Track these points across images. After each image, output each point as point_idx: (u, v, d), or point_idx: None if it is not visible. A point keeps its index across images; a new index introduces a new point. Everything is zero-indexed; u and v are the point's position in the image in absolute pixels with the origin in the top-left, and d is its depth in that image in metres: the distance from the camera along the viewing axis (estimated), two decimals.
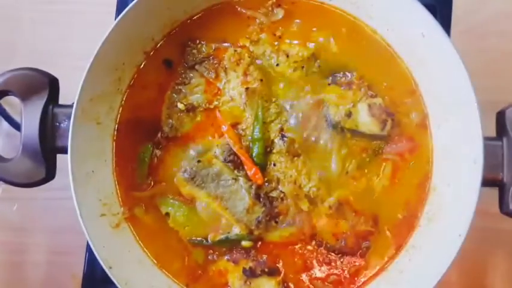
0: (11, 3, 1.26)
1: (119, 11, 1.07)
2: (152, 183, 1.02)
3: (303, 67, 1.03)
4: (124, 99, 1.02)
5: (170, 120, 1.02)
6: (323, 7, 1.05)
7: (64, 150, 0.92)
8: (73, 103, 0.92)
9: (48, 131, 0.96)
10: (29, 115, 0.94)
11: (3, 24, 1.26)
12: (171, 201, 1.01)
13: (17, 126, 0.98)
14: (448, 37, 0.93)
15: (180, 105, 1.02)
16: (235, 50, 1.04)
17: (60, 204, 1.14)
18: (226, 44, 1.05)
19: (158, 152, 1.02)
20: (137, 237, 1.01)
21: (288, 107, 1.02)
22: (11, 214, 1.20)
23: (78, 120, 0.92)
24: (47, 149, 0.95)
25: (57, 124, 0.96)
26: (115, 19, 0.94)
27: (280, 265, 1.01)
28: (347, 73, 1.03)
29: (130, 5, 0.94)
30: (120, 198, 1.01)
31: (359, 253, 1.01)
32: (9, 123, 1.01)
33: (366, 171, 1.01)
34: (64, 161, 0.92)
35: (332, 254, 1.01)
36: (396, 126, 1.01)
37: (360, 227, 1.00)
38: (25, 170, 0.94)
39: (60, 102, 0.98)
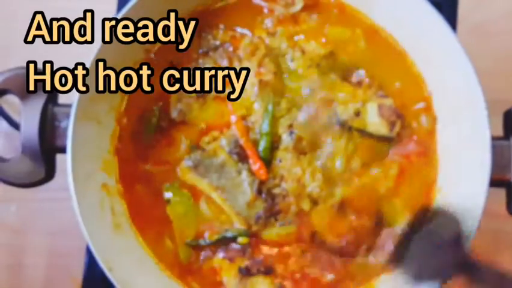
0: (8, 1, 1.25)
1: (119, 8, 1.06)
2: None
3: (318, 65, 1.02)
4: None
5: (179, 105, 1.01)
6: (343, 5, 1.04)
7: (64, 150, 0.91)
8: (73, 102, 0.91)
9: (48, 131, 0.94)
10: (29, 114, 0.93)
11: (1, 22, 1.25)
12: (177, 189, 1.00)
13: (16, 125, 0.97)
14: (454, 35, 0.92)
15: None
16: (252, 40, 1.02)
17: (59, 205, 1.13)
18: (243, 33, 1.04)
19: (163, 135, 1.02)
20: (138, 238, 1.00)
21: (299, 103, 1.01)
22: (10, 215, 1.19)
23: (78, 119, 0.91)
24: (47, 148, 0.94)
25: (57, 123, 0.95)
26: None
27: (276, 264, 1.00)
28: (359, 72, 1.02)
29: (130, 4, 0.93)
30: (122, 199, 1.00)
31: (360, 253, 1.00)
32: (8, 123, 1.00)
33: (371, 171, 1.00)
34: (64, 161, 0.91)
35: (332, 254, 1.00)
36: (405, 128, 1.00)
37: (362, 227, 0.99)
38: (24, 170, 0.93)
39: (60, 101, 0.97)
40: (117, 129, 1.01)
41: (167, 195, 1.01)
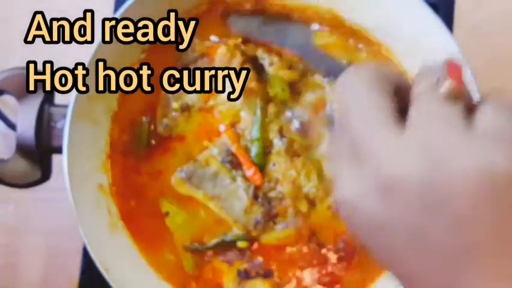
0: (5, 1, 1.25)
1: (116, 9, 1.06)
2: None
3: (295, 68, 1.01)
4: (120, 99, 1.01)
5: (165, 120, 1.01)
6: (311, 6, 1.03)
7: (60, 151, 0.91)
8: (69, 103, 0.91)
9: (44, 131, 0.94)
10: (25, 114, 0.93)
11: None
12: (172, 201, 1.00)
13: (12, 126, 0.97)
14: (451, 35, 0.92)
15: (175, 105, 1.01)
16: (227, 49, 1.01)
17: (57, 205, 1.13)
18: (217, 42, 1.03)
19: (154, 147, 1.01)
20: (131, 237, 0.99)
21: (288, 106, 1.00)
22: (6, 215, 1.19)
23: (74, 120, 0.91)
24: (43, 149, 0.94)
25: (53, 124, 0.95)
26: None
27: (275, 267, 0.99)
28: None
29: (127, 4, 0.93)
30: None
31: (358, 254, 0.99)
32: (4, 123, 1.00)
33: None
34: (61, 162, 0.91)
35: (331, 255, 0.99)
36: None
37: None
38: (21, 171, 0.93)
39: (56, 102, 0.97)
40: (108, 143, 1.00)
41: (165, 207, 1.00)
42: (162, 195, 1.00)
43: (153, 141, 1.01)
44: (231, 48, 1.01)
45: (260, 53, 1.02)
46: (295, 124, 0.99)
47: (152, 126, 1.01)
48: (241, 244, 0.98)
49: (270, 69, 1.01)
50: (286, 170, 0.98)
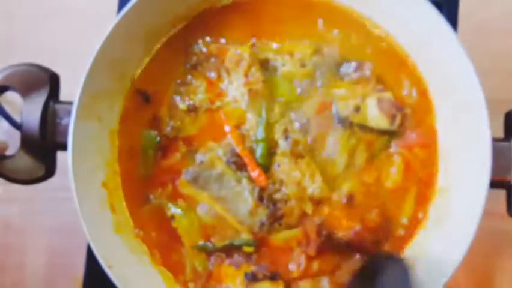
0: None
1: (121, 7, 1.06)
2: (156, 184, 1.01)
3: (307, 65, 1.01)
4: (125, 97, 1.01)
5: (172, 121, 1.01)
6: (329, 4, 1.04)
7: (65, 147, 0.91)
8: (74, 100, 0.91)
9: (49, 128, 0.95)
10: (30, 111, 0.94)
11: (2, 20, 1.25)
12: (177, 203, 1.00)
13: (16, 125, 0.96)
14: (455, 34, 0.92)
15: (182, 106, 1.01)
16: (236, 51, 1.02)
17: (61, 204, 1.13)
18: (228, 43, 1.03)
19: (160, 153, 1.01)
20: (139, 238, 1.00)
21: (293, 107, 1.01)
22: (11, 214, 1.19)
23: (79, 116, 0.91)
24: (48, 145, 0.94)
25: (58, 120, 0.95)
26: (117, 15, 0.93)
27: (282, 269, 0.99)
28: (355, 67, 1.01)
29: (130, 4, 0.93)
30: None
31: (366, 251, 0.98)
32: (9, 122, 1.00)
33: (374, 166, 0.99)
34: (65, 161, 0.91)
35: (338, 253, 0.99)
36: (406, 121, 1.00)
37: (370, 221, 0.98)
38: (25, 167, 0.93)
39: (61, 98, 0.97)
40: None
41: (172, 211, 1.00)
42: (167, 198, 1.01)
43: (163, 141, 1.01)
44: (241, 50, 1.02)
45: (272, 55, 1.03)
46: (298, 121, 0.99)
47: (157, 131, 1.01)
48: (246, 249, 0.99)
49: (283, 69, 1.02)
50: (290, 171, 0.98)
